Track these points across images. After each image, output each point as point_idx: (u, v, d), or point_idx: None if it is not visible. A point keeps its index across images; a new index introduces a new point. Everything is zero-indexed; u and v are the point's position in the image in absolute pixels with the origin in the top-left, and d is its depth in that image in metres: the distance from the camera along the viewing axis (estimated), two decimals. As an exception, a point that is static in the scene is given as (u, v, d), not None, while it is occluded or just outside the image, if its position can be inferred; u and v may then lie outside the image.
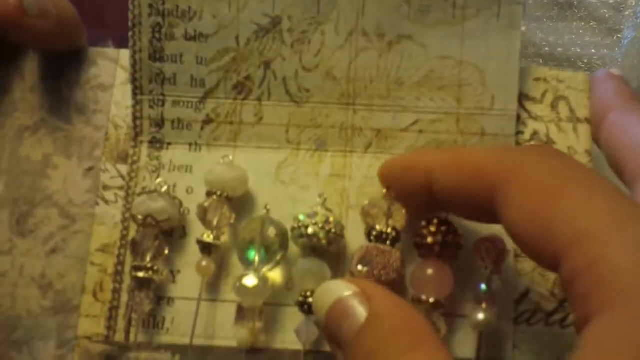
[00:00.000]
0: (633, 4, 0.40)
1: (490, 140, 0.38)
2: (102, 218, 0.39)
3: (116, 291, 0.38)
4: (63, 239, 0.39)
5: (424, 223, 0.35)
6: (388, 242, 0.34)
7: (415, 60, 0.38)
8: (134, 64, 0.39)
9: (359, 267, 0.34)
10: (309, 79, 0.38)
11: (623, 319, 0.22)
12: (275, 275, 0.37)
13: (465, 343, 0.35)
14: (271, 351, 0.36)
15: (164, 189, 0.38)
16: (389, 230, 0.35)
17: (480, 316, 0.34)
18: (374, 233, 0.35)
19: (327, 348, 0.35)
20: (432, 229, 0.34)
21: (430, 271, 0.34)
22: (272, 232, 0.36)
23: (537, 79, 0.39)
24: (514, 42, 0.38)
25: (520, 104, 0.38)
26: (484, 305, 0.34)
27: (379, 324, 0.27)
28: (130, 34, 0.39)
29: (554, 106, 0.38)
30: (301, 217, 0.35)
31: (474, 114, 0.38)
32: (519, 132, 0.38)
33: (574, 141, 0.38)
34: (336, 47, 0.38)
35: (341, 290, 0.30)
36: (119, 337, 0.37)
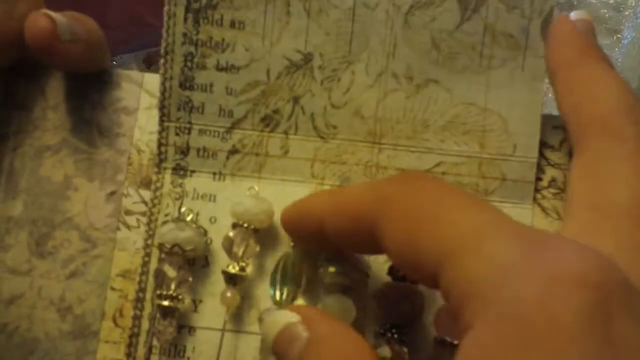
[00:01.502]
0: (633, 4, 0.41)
1: (511, 185, 0.39)
2: (123, 243, 0.39)
3: (137, 318, 0.38)
4: (83, 262, 0.39)
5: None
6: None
7: (441, 104, 0.39)
8: (163, 91, 0.39)
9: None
10: (337, 116, 0.39)
11: (482, 329, 0.24)
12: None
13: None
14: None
15: (189, 217, 0.38)
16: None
17: None
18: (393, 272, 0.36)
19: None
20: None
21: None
22: (296, 271, 0.37)
23: (556, 127, 0.40)
24: (537, 93, 0.39)
25: (540, 152, 0.40)
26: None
27: (320, 345, 0.29)
28: (162, 61, 0.39)
29: (571, 154, 0.40)
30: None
31: (496, 159, 0.39)
32: (537, 179, 0.39)
33: (589, 190, 0.39)
34: (365, 87, 0.39)
35: (287, 317, 0.31)
36: (139, 364, 0.37)
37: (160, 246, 0.37)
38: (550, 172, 0.40)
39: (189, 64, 0.39)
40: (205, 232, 0.38)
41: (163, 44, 0.39)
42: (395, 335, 0.35)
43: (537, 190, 0.39)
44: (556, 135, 0.40)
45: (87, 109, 0.41)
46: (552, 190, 0.39)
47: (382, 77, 0.39)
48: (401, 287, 0.36)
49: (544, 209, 0.39)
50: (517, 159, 0.39)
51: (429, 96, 0.39)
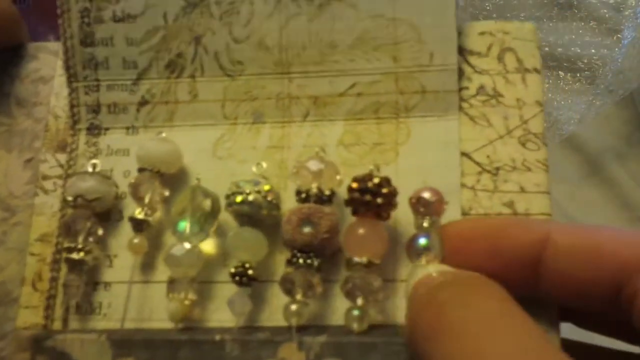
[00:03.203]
0: (633, 4, 0.39)
1: (432, 97, 0.36)
2: (41, 208, 0.38)
3: (54, 279, 0.36)
4: (3, 231, 0.38)
5: (355, 182, 0.33)
6: (312, 201, 0.32)
7: (346, 21, 0.36)
8: (66, 52, 0.39)
9: (283, 230, 0.33)
10: (241, 51, 0.37)
11: None
12: (208, 246, 0.35)
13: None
14: (202, 328, 0.34)
15: (98, 169, 0.37)
16: (314, 189, 0.33)
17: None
18: (300, 195, 0.33)
19: (264, 322, 0.34)
20: (370, 184, 0.32)
21: (362, 230, 0.32)
22: (202, 200, 0.34)
23: (482, 33, 0.37)
24: (448, -6, 0.36)
25: (465, 60, 0.36)
26: (423, 262, 0.31)
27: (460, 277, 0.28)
28: (59, 21, 0.39)
29: (500, 58, 0.36)
30: (242, 184, 0.34)
31: (413, 72, 0.36)
32: (463, 88, 0.36)
33: (523, 92, 0.36)
34: (265, 16, 0.37)
35: (429, 269, 0.29)
36: (57, 325, 0.36)
37: (64, 200, 0.36)
38: (478, 80, 0.36)
39: (86, 19, 0.38)
40: (116, 184, 0.37)
41: (58, 3, 0.38)
42: (301, 261, 0.32)
43: (464, 99, 0.36)
44: (482, 40, 0.37)
45: (5, 83, 0.41)
46: (481, 98, 0.36)
47: (282, 2, 0.37)
48: (305, 209, 0.33)
49: (472, 118, 0.36)
50: (435, 68, 0.36)
51: (333, 15, 0.37)
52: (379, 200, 0.32)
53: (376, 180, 0.32)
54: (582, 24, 0.38)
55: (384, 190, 0.32)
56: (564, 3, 0.37)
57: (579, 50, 0.37)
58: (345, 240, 0.32)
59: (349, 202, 0.32)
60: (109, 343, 0.33)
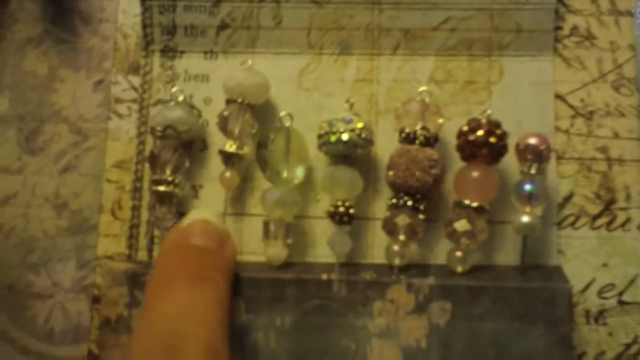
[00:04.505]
0: (633, 4, 0.37)
1: (527, 36, 0.35)
2: (115, 133, 0.36)
3: (135, 208, 0.36)
4: (76, 156, 0.37)
5: (466, 125, 0.32)
6: (418, 143, 0.32)
7: (445, -49, 0.35)
8: (141, -34, 0.36)
9: (389, 172, 0.33)
10: (331, -24, 0.36)
11: None
12: (302, 186, 0.35)
13: (510, 250, 0.33)
14: (303, 265, 0.34)
15: (181, 98, 0.35)
16: (419, 130, 0.33)
17: (525, 219, 0.32)
18: (403, 135, 0.33)
19: (362, 259, 0.34)
20: (480, 133, 0.32)
21: (474, 174, 0.32)
22: (296, 143, 0.34)
23: (576, -30, 0.36)
24: None
25: (558, -2, 0.36)
26: (527, 209, 0.32)
27: None
28: None
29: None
30: (334, 122, 0.33)
31: (508, 9, 0.35)
32: (557, 28, 0.36)
33: (616, 35, 0.36)
34: (360, -60, 0.35)
35: None
36: (142, 255, 0.35)
37: (152, 130, 0.35)
38: (571, 20, 0.36)
39: None
40: (200, 113, 0.36)
41: None
42: (409, 203, 0.32)
43: (557, 40, 0.36)
44: (577, -22, 0.36)
45: (66, -4, 0.38)
46: (575, 39, 0.36)
47: None
48: (413, 152, 0.32)
49: (565, 60, 0.35)
50: (532, 7, 0.35)
51: (431, -56, 0.35)
52: (493, 143, 0.32)
53: (487, 125, 0.32)
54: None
55: (497, 133, 0.32)
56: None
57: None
58: (458, 184, 0.32)
59: (462, 147, 0.32)
60: (210, 279, 0.32)
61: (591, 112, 0.35)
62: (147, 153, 0.36)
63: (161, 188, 0.34)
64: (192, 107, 0.35)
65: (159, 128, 0.34)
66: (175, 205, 0.35)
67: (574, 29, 0.36)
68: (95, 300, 0.34)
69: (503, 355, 0.31)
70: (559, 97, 0.35)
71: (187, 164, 0.35)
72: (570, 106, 0.35)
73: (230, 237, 0.33)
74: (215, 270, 0.31)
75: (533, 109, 0.35)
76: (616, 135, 0.35)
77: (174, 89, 0.36)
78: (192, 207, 0.35)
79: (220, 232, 0.32)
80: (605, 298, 0.33)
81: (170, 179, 0.34)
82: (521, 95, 0.35)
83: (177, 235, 0.32)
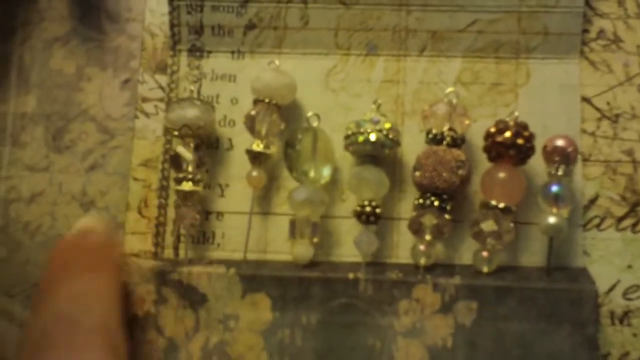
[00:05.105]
0: None
1: (554, 39, 0.35)
2: (142, 132, 0.37)
3: (162, 207, 0.36)
4: (102, 154, 0.37)
5: (494, 127, 0.33)
6: (445, 144, 0.33)
7: (473, -46, 0.35)
8: (169, -34, 0.36)
9: (416, 173, 0.33)
10: (359, -22, 0.36)
11: None
12: (328, 186, 0.35)
13: (535, 251, 0.34)
14: (328, 264, 0.34)
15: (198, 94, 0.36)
16: (447, 131, 0.33)
17: (552, 220, 0.32)
18: (430, 136, 0.33)
19: (387, 259, 0.34)
20: (508, 134, 0.32)
21: (501, 175, 0.32)
22: (324, 143, 0.34)
23: (602, -26, 0.36)
24: None
25: (585, 1, 0.36)
26: (554, 210, 0.32)
27: None
28: None
29: (620, 2, 0.36)
30: (362, 123, 0.33)
31: (536, 12, 0.35)
32: (584, 31, 0.36)
33: (643, 39, 0.36)
34: (388, -58, 0.35)
35: None
36: (168, 253, 0.35)
37: (168, 130, 0.35)
38: (598, 23, 0.36)
39: None
40: (213, 108, 0.36)
41: None
42: (436, 203, 0.33)
43: (584, 43, 0.36)
44: (603, -19, 0.36)
45: (94, -5, 0.38)
46: (602, 42, 0.36)
47: None
48: (440, 153, 0.33)
49: (592, 63, 0.36)
50: (560, 10, 0.35)
51: (459, -53, 0.35)
52: (520, 145, 0.32)
53: (514, 127, 0.32)
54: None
55: (525, 135, 0.32)
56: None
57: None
58: (485, 185, 0.32)
59: (489, 148, 0.32)
60: (238, 278, 0.33)
61: (617, 115, 0.35)
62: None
63: (183, 186, 0.34)
64: (207, 103, 0.35)
65: (174, 127, 0.35)
66: (200, 203, 0.35)
67: (601, 32, 0.36)
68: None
69: (528, 355, 0.31)
70: (585, 100, 0.35)
71: (208, 162, 0.35)
72: (597, 109, 0.35)
73: (112, 233, 0.35)
74: (105, 262, 0.32)
75: (559, 112, 0.35)
76: (642, 138, 0.35)
77: (191, 87, 0.36)
78: (218, 205, 0.36)
79: (102, 231, 0.33)
80: (630, 299, 0.33)
81: (190, 176, 0.34)
82: (548, 98, 0.35)
83: (64, 242, 0.33)
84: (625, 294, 0.33)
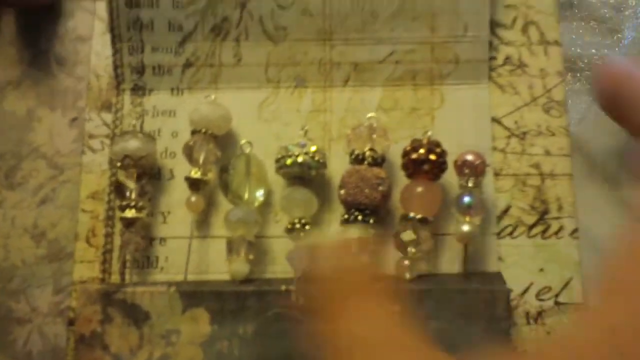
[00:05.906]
0: (633, 4, 0.41)
1: (465, 66, 0.39)
2: (89, 166, 0.39)
3: (108, 235, 0.38)
4: (52, 189, 0.39)
5: (409, 146, 0.36)
6: (366, 163, 0.35)
7: (387, -8, 0.39)
8: (111, 12, 0.39)
9: (341, 191, 0.36)
10: (285, 17, 0.39)
11: None
12: (262, 208, 0.38)
13: (452, 259, 0.36)
14: (264, 280, 0.37)
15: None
16: (368, 152, 0.36)
17: (465, 228, 0.35)
18: (353, 156, 0.36)
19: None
20: (421, 151, 0.35)
21: (418, 189, 0.35)
22: (256, 167, 0.37)
23: (507, 6, 0.40)
24: (482, -31, 0.39)
25: (492, 31, 0.39)
26: (467, 218, 0.35)
27: None
28: (106, -19, 0.39)
29: (524, 31, 0.40)
30: (290, 147, 0.36)
31: (448, 42, 0.39)
32: (491, 58, 0.39)
33: (545, 63, 0.39)
34: (310, -16, 0.39)
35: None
36: (115, 279, 0.38)
37: (112, 162, 0.38)
38: (504, 50, 0.40)
39: (132, -19, 0.39)
40: (154, 140, 0.39)
41: (104, -36, 0.39)
42: (359, 218, 0.35)
43: (492, 69, 0.39)
44: (508, 13, 0.40)
45: (42, 41, 0.41)
46: (508, 68, 0.39)
47: (325, -28, 0.39)
48: (362, 171, 0.36)
49: (500, 86, 0.39)
50: (468, 39, 0.39)
51: (374, -14, 0.39)
52: (433, 160, 0.35)
53: (427, 144, 0.35)
54: (582, 23, 0.40)
55: (437, 151, 0.35)
56: (564, 3, 0.40)
57: (579, 50, 0.39)
58: (404, 199, 0.35)
59: (406, 165, 0.35)
60: (178, 295, 0.35)
61: (524, 133, 0.38)
62: (118, 183, 0.38)
63: (127, 213, 0.37)
64: (148, 135, 0.38)
65: (117, 158, 0.37)
66: (143, 229, 0.37)
67: (507, 58, 0.39)
68: (71, 322, 0.37)
69: (449, 350, 0.34)
70: (495, 120, 0.38)
71: (150, 191, 0.38)
72: (506, 128, 0.38)
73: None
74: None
75: (472, 131, 0.38)
76: (548, 153, 0.38)
77: (133, 122, 0.39)
78: (161, 231, 0.38)
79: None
80: (543, 300, 0.36)
81: (133, 203, 0.37)
82: (461, 119, 0.39)
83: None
84: (538, 295, 0.36)
